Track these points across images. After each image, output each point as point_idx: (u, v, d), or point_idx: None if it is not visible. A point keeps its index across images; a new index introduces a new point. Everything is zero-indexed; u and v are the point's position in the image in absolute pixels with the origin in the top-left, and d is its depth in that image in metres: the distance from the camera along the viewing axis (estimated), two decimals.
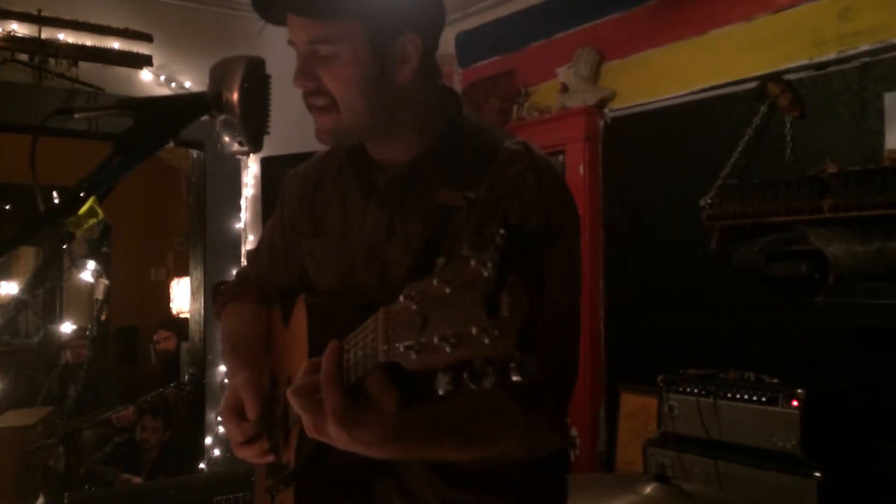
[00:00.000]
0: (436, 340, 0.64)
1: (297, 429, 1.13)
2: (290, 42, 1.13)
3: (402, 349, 0.69)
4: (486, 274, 0.60)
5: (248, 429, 1.18)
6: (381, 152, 1.21)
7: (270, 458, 1.20)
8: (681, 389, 2.63)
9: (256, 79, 1.03)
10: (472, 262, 0.61)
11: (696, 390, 2.57)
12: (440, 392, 0.66)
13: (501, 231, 0.61)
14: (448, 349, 0.63)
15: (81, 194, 0.95)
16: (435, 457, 1.00)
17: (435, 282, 0.65)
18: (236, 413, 1.20)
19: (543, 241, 1.05)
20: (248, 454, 1.20)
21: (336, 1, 1.05)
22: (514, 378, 0.61)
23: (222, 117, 1.02)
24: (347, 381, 0.84)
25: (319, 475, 1.13)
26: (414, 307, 0.67)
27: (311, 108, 1.14)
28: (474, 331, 0.61)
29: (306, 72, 1.10)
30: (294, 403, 0.87)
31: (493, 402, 0.97)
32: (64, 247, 1.07)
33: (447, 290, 0.63)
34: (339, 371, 0.84)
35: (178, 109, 1.01)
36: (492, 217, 0.62)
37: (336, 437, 0.84)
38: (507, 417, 0.98)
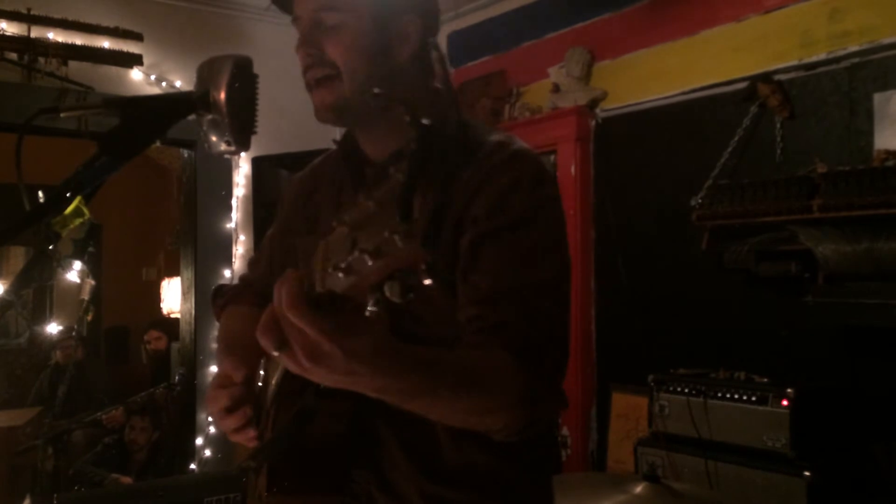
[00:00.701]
0: (357, 254, 0.64)
1: (274, 408, 1.12)
2: (296, 18, 1.16)
3: (331, 272, 0.68)
4: (400, 179, 0.61)
5: (236, 391, 1.13)
6: (373, 147, 1.23)
7: (251, 434, 1.17)
8: (671, 389, 2.63)
9: (244, 78, 1.03)
10: (391, 172, 0.62)
11: (686, 390, 2.58)
12: (367, 313, 0.66)
13: (414, 135, 0.61)
14: (369, 261, 0.63)
15: (67, 194, 0.95)
16: (429, 396, 0.93)
17: (362, 200, 0.65)
18: (224, 385, 1.15)
19: (519, 223, 1.07)
20: (233, 423, 1.14)
21: None
22: (426, 281, 0.61)
23: (209, 117, 1.02)
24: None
25: (295, 457, 1.12)
26: (346, 230, 0.67)
27: (310, 85, 1.16)
28: (387, 234, 0.61)
29: (309, 40, 1.13)
30: (269, 341, 0.78)
31: (490, 352, 0.98)
32: (50, 247, 1.06)
33: (371, 206, 0.64)
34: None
35: (164, 109, 1.01)
36: (407, 121, 0.62)
37: (330, 352, 0.75)
38: (504, 368, 0.98)
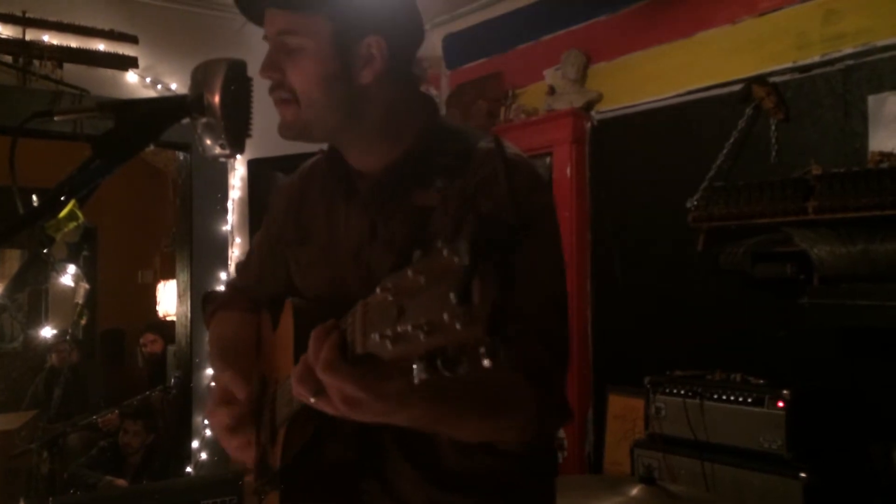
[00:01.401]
0: (410, 329, 0.65)
1: (283, 430, 1.12)
2: (265, 37, 1.17)
3: (377, 339, 0.70)
4: (457, 263, 0.62)
5: (238, 411, 1.16)
6: (358, 160, 1.24)
7: (254, 451, 1.19)
8: (668, 391, 2.63)
9: (238, 81, 1.03)
10: (445, 253, 0.63)
11: (682, 391, 2.58)
12: (416, 381, 0.67)
13: (472, 221, 0.62)
14: (422, 337, 0.64)
15: (62, 197, 0.94)
16: (456, 421, 0.98)
17: (410, 273, 0.67)
18: (225, 400, 1.19)
19: (518, 233, 1.06)
20: (236, 442, 1.19)
21: None
22: (485, 363, 0.62)
23: (204, 120, 1.02)
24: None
25: (306, 478, 1.13)
26: (390, 298, 0.68)
27: (275, 103, 1.18)
28: (446, 317, 0.62)
29: (272, 63, 1.14)
30: (305, 391, 0.84)
31: (504, 374, 0.99)
32: (44, 251, 1.06)
33: (421, 280, 0.65)
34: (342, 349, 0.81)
35: (158, 112, 1.01)
36: (464, 208, 0.63)
37: (366, 399, 0.81)
38: (519, 391, 1.00)
